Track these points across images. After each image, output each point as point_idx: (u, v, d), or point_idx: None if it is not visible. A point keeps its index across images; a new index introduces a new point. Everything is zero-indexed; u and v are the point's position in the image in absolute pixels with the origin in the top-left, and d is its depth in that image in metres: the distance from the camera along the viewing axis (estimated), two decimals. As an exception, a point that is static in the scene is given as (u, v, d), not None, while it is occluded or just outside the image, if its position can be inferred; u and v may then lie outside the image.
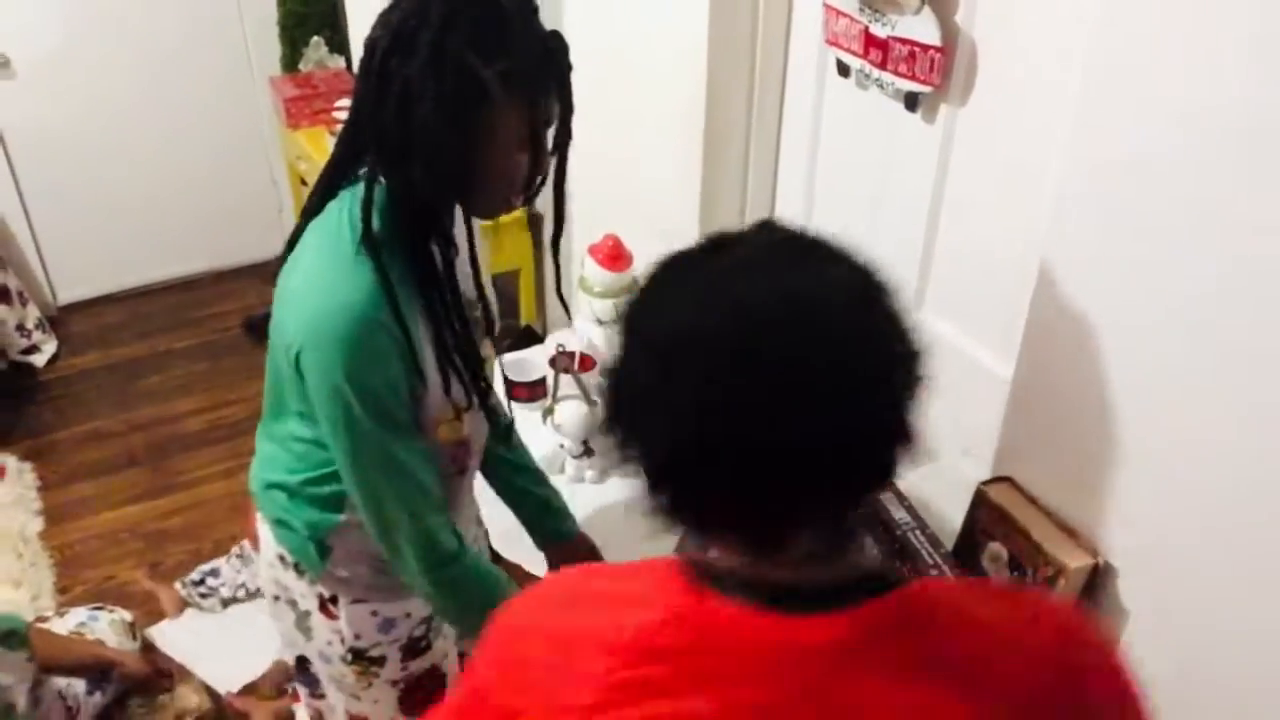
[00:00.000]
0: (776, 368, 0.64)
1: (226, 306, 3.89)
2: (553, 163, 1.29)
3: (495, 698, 0.79)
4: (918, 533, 1.48)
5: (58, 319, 3.80)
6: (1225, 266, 1.08)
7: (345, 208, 1.19)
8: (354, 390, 1.15)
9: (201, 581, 2.64)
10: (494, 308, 1.43)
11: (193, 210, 3.94)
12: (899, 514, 1.52)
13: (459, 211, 1.31)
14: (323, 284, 1.17)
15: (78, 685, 2.18)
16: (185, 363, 3.60)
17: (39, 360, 3.56)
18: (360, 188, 1.16)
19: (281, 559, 1.42)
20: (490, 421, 1.40)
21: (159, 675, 2.34)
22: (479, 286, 1.40)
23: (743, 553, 0.72)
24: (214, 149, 3.88)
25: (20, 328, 3.52)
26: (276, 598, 1.48)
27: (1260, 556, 1.10)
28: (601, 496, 1.86)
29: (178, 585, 2.64)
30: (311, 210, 1.25)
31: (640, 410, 0.71)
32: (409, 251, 1.17)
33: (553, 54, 1.20)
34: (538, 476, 1.64)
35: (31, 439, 3.22)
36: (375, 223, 1.14)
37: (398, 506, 1.23)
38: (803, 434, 0.64)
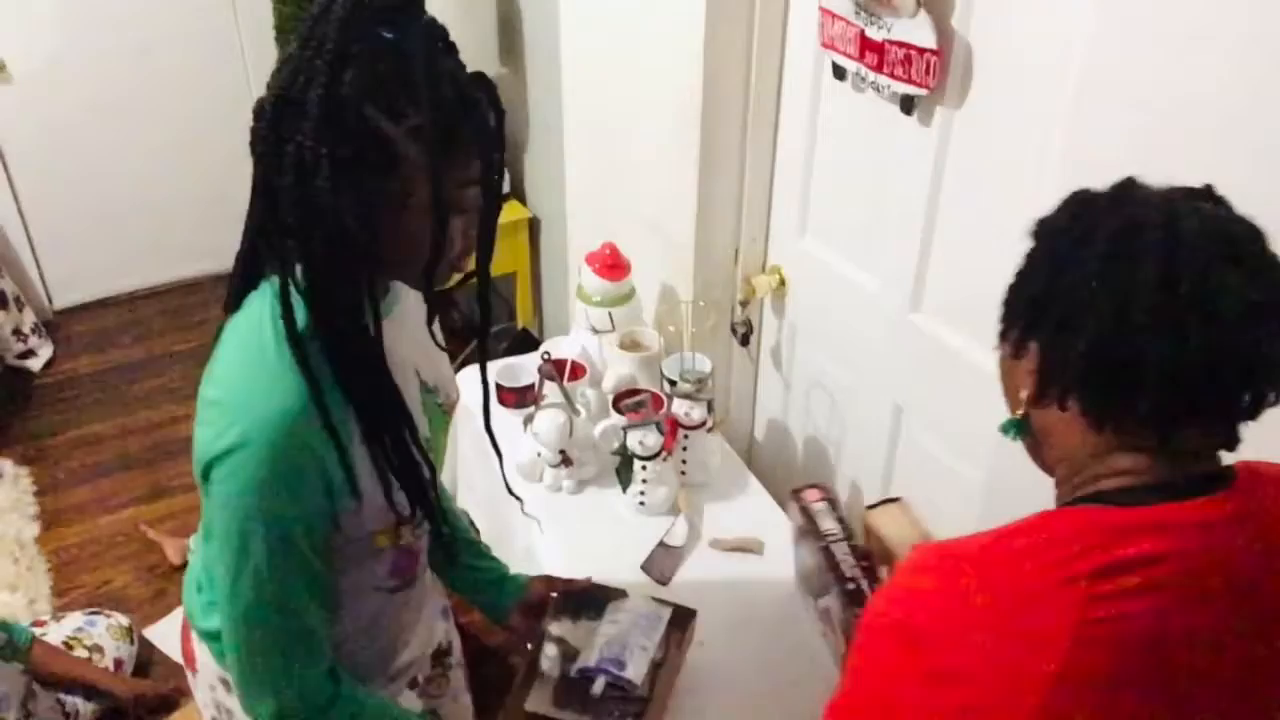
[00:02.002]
0: (1261, 284, 0.75)
1: (222, 311, 3.88)
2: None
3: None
4: (843, 543, 1.52)
5: (54, 323, 3.80)
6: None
7: (265, 299, 1.06)
8: (261, 522, 1.01)
9: None
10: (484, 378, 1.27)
11: (188, 214, 3.93)
12: (827, 524, 1.54)
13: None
14: (239, 395, 1.02)
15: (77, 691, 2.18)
16: (181, 367, 3.60)
17: (35, 364, 3.55)
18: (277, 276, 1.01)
19: (225, 682, 1.24)
20: (433, 534, 1.22)
21: (154, 701, 2.31)
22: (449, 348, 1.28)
23: (1151, 454, 0.80)
24: (209, 153, 3.88)
25: (16, 332, 3.52)
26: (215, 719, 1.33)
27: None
28: (578, 506, 1.86)
29: (190, 553, 2.66)
30: (230, 305, 1.13)
31: (1143, 319, 0.75)
32: (333, 343, 1.02)
33: (472, 102, 1.01)
34: (478, 549, 1.53)
35: (28, 443, 3.21)
36: (299, 314, 1.00)
37: (271, 648, 1.08)
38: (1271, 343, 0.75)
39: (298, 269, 1.01)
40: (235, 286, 1.13)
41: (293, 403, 0.99)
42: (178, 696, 2.33)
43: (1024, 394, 0.85)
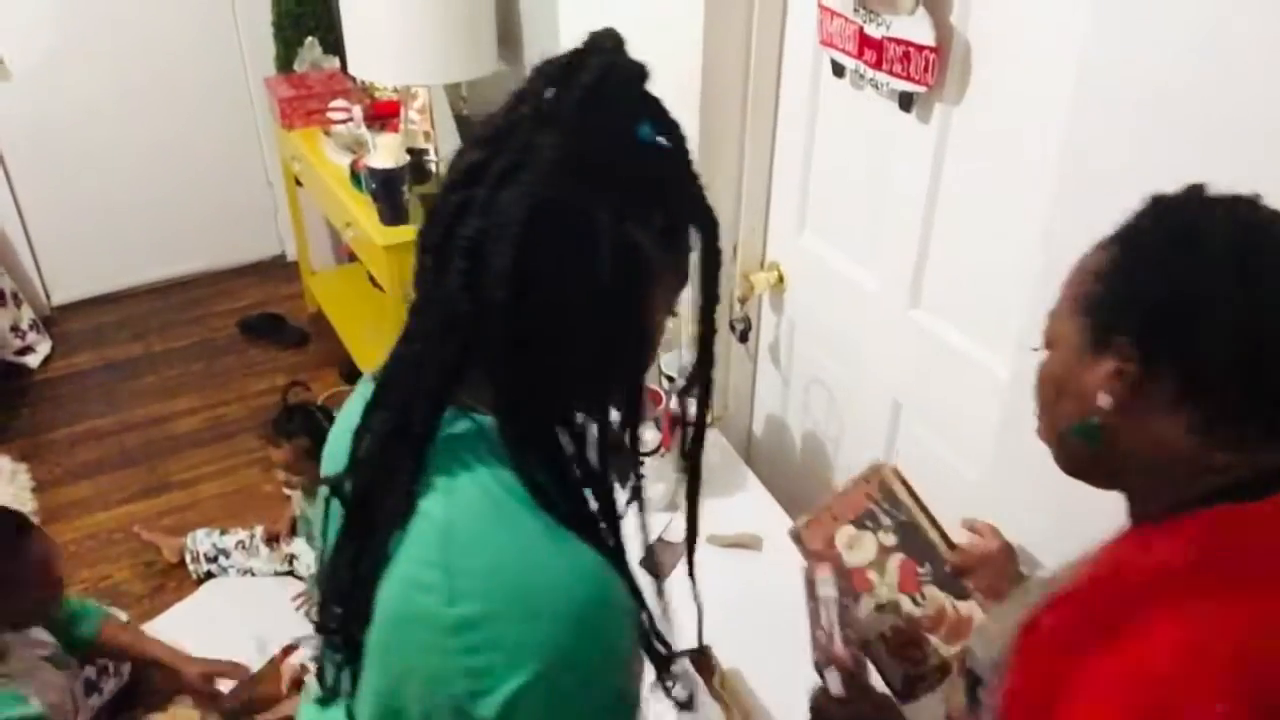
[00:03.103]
0: None
1: (221, 307, 3.89)
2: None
3: None
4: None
5: (52, 319, 3.80)
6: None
7: (472, 455, 0.79)
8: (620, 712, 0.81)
9: (215, 559, 2.69)
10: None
11: (188, 211, 3.93)
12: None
13: None
14: (528, 587, 0.75)
15: (78, 687, 2.18)
16: (180, 363, 3.60)
17: (33, 361, 3.55)
18: (475, 419, 0.80)
19: None
20: None
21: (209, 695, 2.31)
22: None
23: (1251, 446, 0.79)
24: (209, 149, 3.88)
25: (15, 328, 3.52)
26: None
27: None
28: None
29: (187, 552, 2.70)
30: (409, 492, 0.79)
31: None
32: (562, 487, 0.80)
33: (693, 174, 0.85)
34: None
35: (26, 439, 3.21)
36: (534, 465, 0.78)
37: None
38: None
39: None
40: (417, 433, 0.79)
41: (593, 568, 0.79)
42: (244, 677, 2.33)
43: (1104, 400, 0.82)
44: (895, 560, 1.40)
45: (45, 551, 2.07)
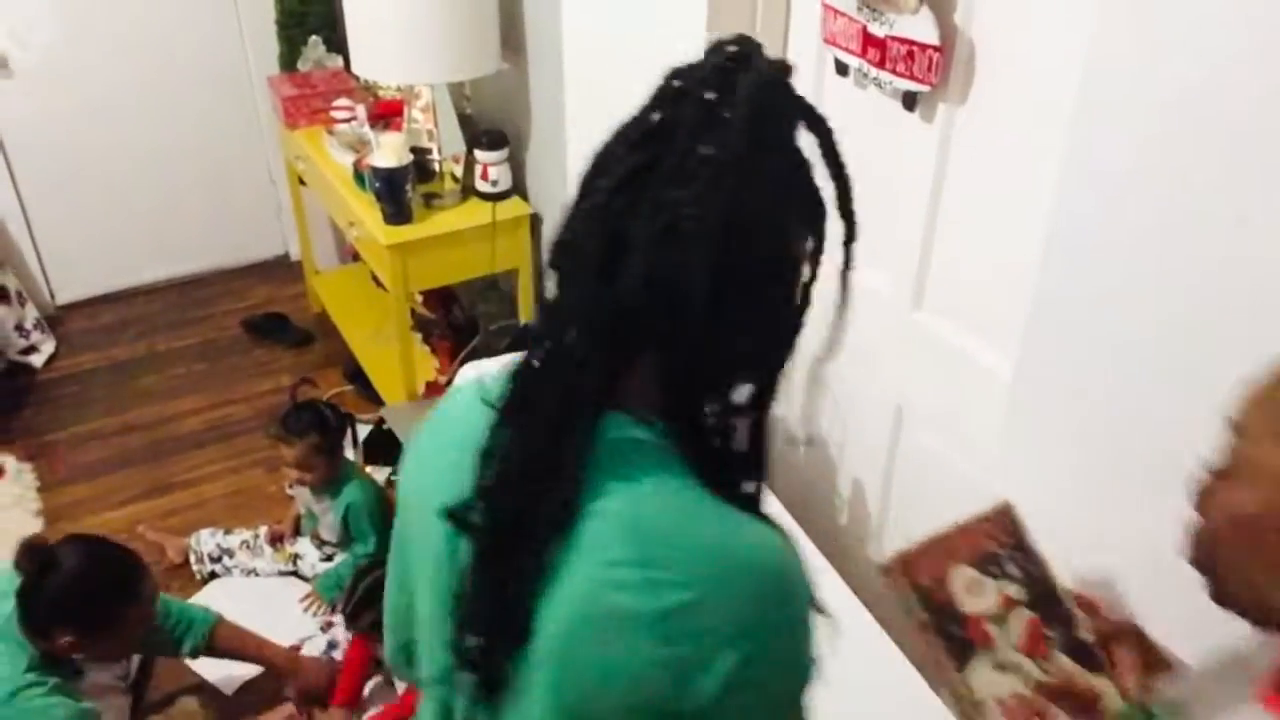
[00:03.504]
0: None
1: (225, 306, 3.89)
2: None
3: None
4: None
5: (56, 319, 3.80)
6: (1226, 265, 1.08)
7: (635, 451, 0.79)
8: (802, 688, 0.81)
9: (219, 559, 2.70)
10: None
11: (191, 210, 3.94)
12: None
13: None
14: (728, 569, 0.76)
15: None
16: (184, 362, 3.60)
17: (37, 360, 3.55)
18: (625, 415, 0.79)
19: None
20: None
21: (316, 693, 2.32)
22: None
23: None
24: (212, 148, 3.88)
25: (19, 328, 3.52)
26: None
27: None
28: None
29: (191, 552, 2.71)
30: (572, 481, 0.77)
31: None
32: (728, 471, 0.82)
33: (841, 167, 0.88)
34: None
35: (30, 439, 3.22)
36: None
37: None
38: None
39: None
40: (581, 417, 0.78)
41: (779, 544, 0.80)
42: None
43: None
44: (1021, 617, 1.23)
45: (153, 593, 2.10)
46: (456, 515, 0.81)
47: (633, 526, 0.76)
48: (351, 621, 2.21)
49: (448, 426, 0.90)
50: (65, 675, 1.95)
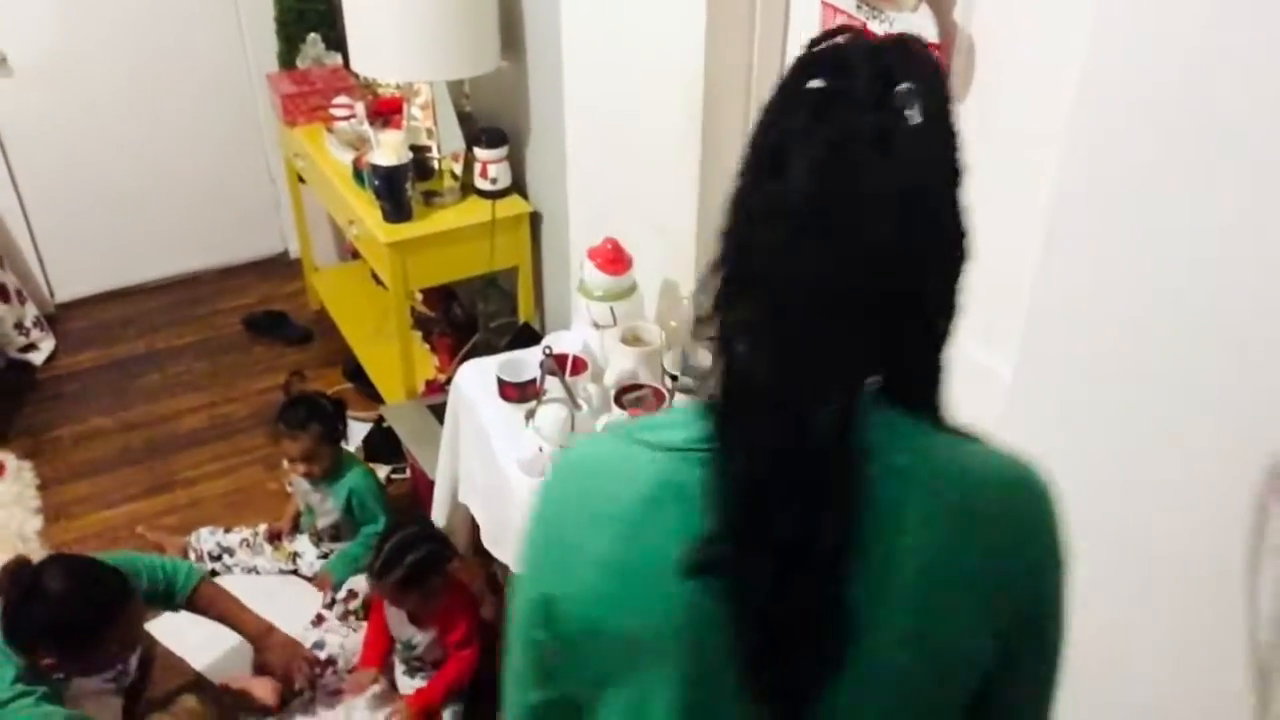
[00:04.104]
0: None
1: (225, 304, 3.89)
2: None
3: None
4: None
5: (55, 317, 3.80)
6: (1226, 263, 1.08)
7: (885, 414, 0.80)
8: None
9: (219, 558, 2.70)
10: None
11: (190, 208, 3.93)
12: None
13: None
14: (1027, 491, 0.84)
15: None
16: (184, 360, 3.60)
17: (37, 358, 3.55)
18: None
19: None
20: None
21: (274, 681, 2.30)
22: None
23: None
24: (211, 146, 3.88)
25: (18, 326, 3.52)
26: None
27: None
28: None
29: (191, 550, 2.71)
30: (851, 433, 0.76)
31: None
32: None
33: None
34: None
35: (30, 437, 3.22)
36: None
37: None
38: None
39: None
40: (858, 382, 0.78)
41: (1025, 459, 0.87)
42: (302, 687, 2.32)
43: None
44: None
45: (140, 616, 2.10)
46: (712, 565, 0.76)
47: (932, 490, 0.78)
48: (379, 577, 2.21)
49: (595, 521, 0.82)
50: (52, 684, 1.95)
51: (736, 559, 0.76)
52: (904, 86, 0.74)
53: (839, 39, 0.79)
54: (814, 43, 0.81)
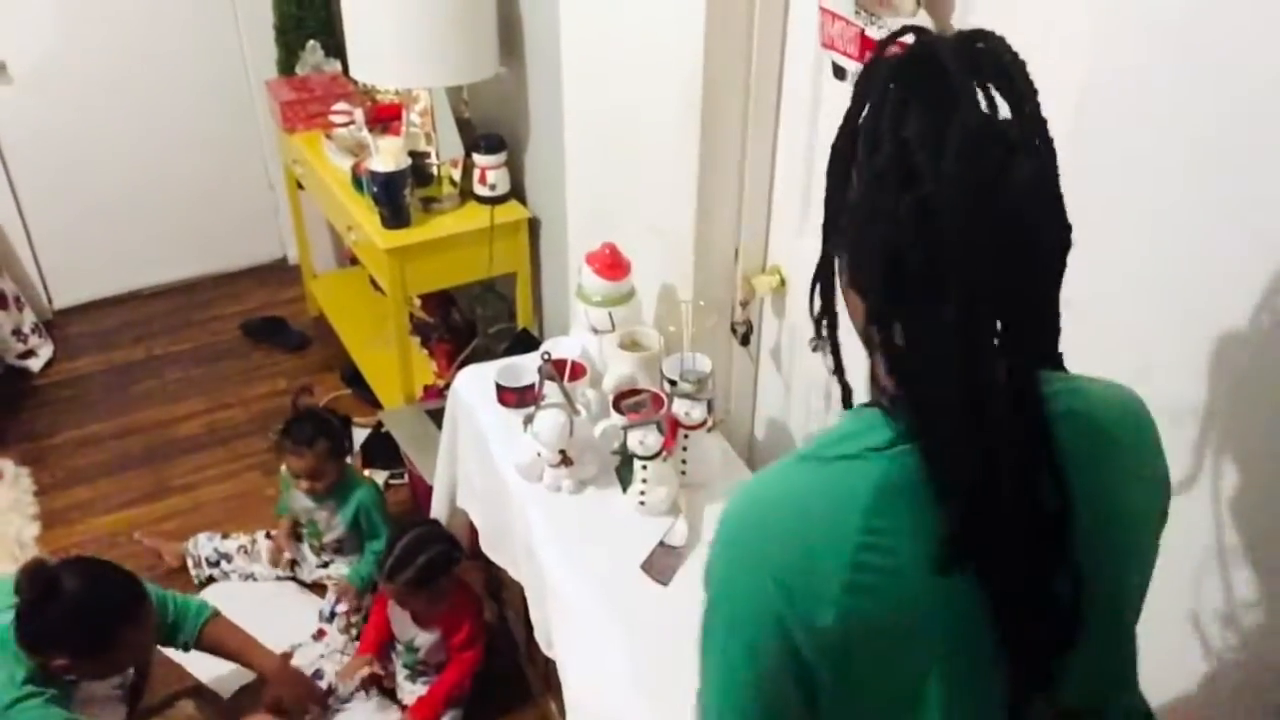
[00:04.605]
0: None
1: (223, 310, 3.89)
2: None
3: None
4: None
5: (54, 323, 3.80)
6: (1225, 261, 1.09)
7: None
8: None
9: (217, 564, 2.70)
10: None
11: (189, 214, 3.93)
12: None
13: None
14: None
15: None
16: (182, 366, 3.60)
17: (35, 365, 3.55)
18: None
19: None
20: None
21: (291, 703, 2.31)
22: None
23: None
24: (210, 153, 3.88)
25: (16, 332, 3.52)
26: None
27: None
28: (578, 506, 1.86)
29: (189, 556, 2.71)
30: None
31: None
32: None
33: None
34: None
35: (28, 443, 3.22)
36: None
37: None
38: None
39: None
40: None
41: None
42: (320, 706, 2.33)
43: None
44: None
45: (152, 619, 2.11)
46: (965, 556, 0.81)
47: (1089, 428, 0.88)
48: (390, 577, 2.21)
49: (831, 542, 0.84)
50: (61, 687, 1.96)
51: (984, 544, 0.81)
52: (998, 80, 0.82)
53: (907, 39, 0.85)
54: (883, 46, 0.87)
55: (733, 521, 0.91)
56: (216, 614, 2.28)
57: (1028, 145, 0.81)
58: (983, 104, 0.81)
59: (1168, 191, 1.12)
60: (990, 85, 0.82)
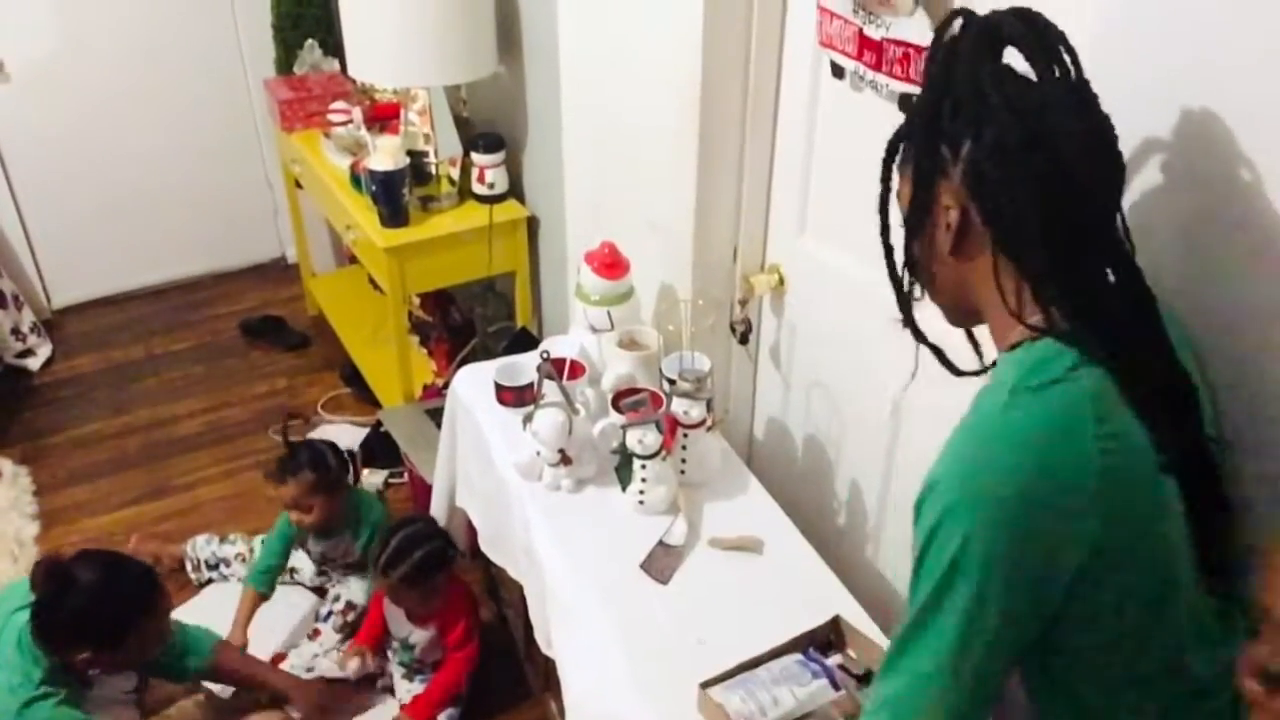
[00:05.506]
0: None
1: (222, 309, 3.89)
2: None
3: None
4: None
5: (53, 322, 3.80)
6: (1224, 261, 1.09)
7: None
8: None
9: (215, 567, 2.69)
10: None
11: (188, 213, 3.93)
12: None
13: None
14: None
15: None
16: (181, 365, 3.60)
17: (34, 364, 3.55)
18: None
19: None
20: None
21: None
22: None
23: None
24: (209, 151, 3.88)
25: (15, 331, 3.52)
26: None
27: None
28: (577, 505, 1.85)
29: (187, 560, 2.70)
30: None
31: None
32: None
33: None
34: None
35: (27, 442, 3.22)
36: None
37: None
38: None
39: None
40: None
41: None
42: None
43: None
44: None
45: (168, 606, 2.12)
46: (1179, 462, 0.97)
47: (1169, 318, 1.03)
48: (384, 572, 2.21)
49: (1080, 461, 0.93)
50: (75, 687, 1.96)
51: (1182, 439, 0.96)
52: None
53: (992, 16, 0.97)
54: (941, 32, 1.00)
55: (971, 480, 0.95)
56: (219, 644, 2.27)
57: (1093, 96, 0.97)
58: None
59: (1170, 188, 1.12)
60: (1057, 51, 0.96)
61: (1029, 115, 0.93)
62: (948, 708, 0.98)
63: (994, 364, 1.06)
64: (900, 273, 1.11)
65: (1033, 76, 0.96)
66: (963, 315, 1.12)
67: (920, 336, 1.15)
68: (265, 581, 2.50)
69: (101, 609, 1.93)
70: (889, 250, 1.12)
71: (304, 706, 2.29)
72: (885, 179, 1.11)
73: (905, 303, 1.12)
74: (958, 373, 1.16)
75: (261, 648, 2.44)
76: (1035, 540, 0.92)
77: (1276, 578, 1.00)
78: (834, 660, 1.49)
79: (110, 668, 2.04)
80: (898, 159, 1.10)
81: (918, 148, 1.03)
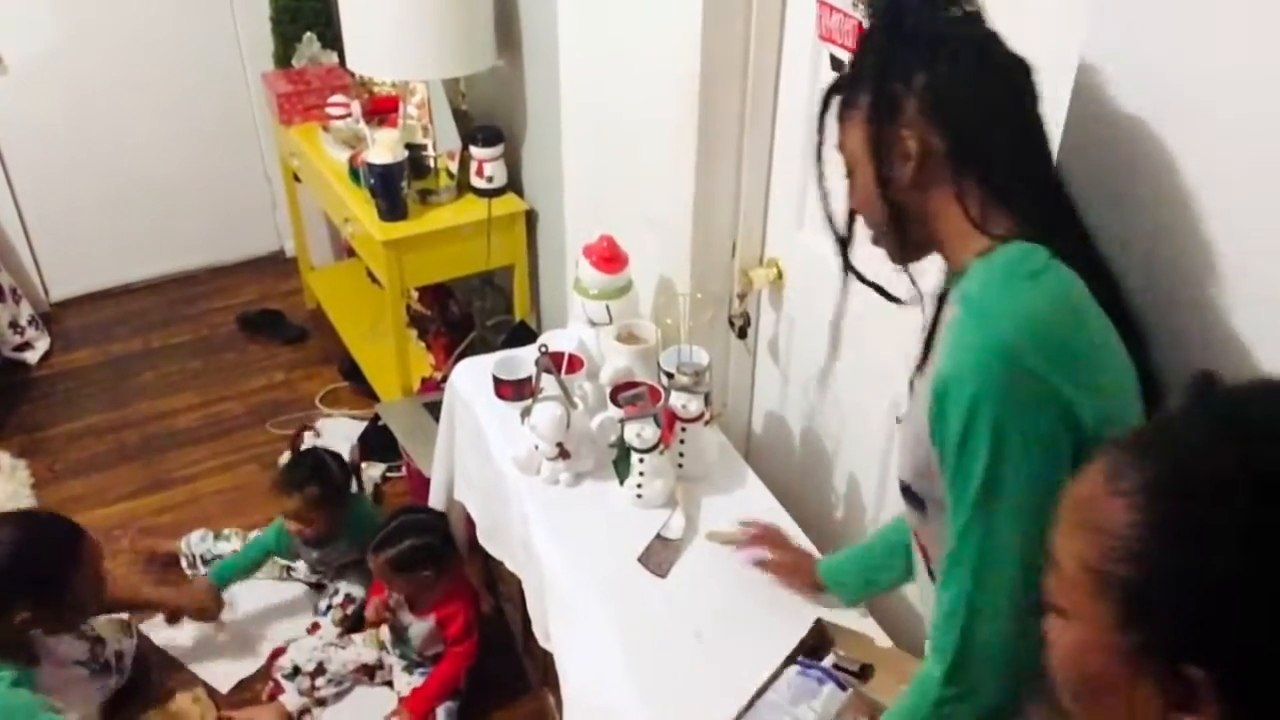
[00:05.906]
0: None
1: (220, 303, 3.89)
2: None
3: None
4: None
5: (51, 315, 3.79)
6: (1224, 260, 1.09)
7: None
8: None
9: (210, 562, 2.68)
10: None
11: (186, 206, 3.93)
12: None
13: None
14: None
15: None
16: (179, 359, 3.59)
17: (32, 357, 3.55)
18: None
19: None
20: None
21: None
22: None
23: None
24: (207, 145, 3.87)
25: (13, 324, 3.51)
26: None
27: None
28: (575, 499, 1.86)
29: (183, 556, 2.70)
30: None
31: None
32: None
33: None
34: None
35: (25, 436, 3.21)
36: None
37: None
38: None
39: None
40: None
41: None
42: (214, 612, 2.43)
43: None
44: None
45: (98, 554, 2.13)
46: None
47: None
48: (375, 550, 2.22)
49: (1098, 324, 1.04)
50: (21, 666, 1.96)
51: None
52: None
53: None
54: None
55: (989, 365, 0.98)
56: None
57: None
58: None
59: (1168, 183, 1.12)
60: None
61: (976, 40, 1.07)
62: (1013, 589, 1.01)
63: (940, 291, 1.15)
64: (841, 219, 1.20)
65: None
66: (914, 249, 1.17)
67: (859, 276, 1.25)
68: (223, 579, 2.54)
69: (29, 562, 1.95)
70: (825, 195, 1.20)
71: (193, 610, 2.39)
72: (820, 130, 1.16)
73: (843, 245, 1.23)
74: (899, 303, 1.27)
75: (260, 643, 2.45)
76: (1056, 407, 0.97)
77: None
78: (827, 662, 1.49)
79: (52, 627, 2.05)
80: (831, 111, 1.15)
81: (871, 90, 1.08)
